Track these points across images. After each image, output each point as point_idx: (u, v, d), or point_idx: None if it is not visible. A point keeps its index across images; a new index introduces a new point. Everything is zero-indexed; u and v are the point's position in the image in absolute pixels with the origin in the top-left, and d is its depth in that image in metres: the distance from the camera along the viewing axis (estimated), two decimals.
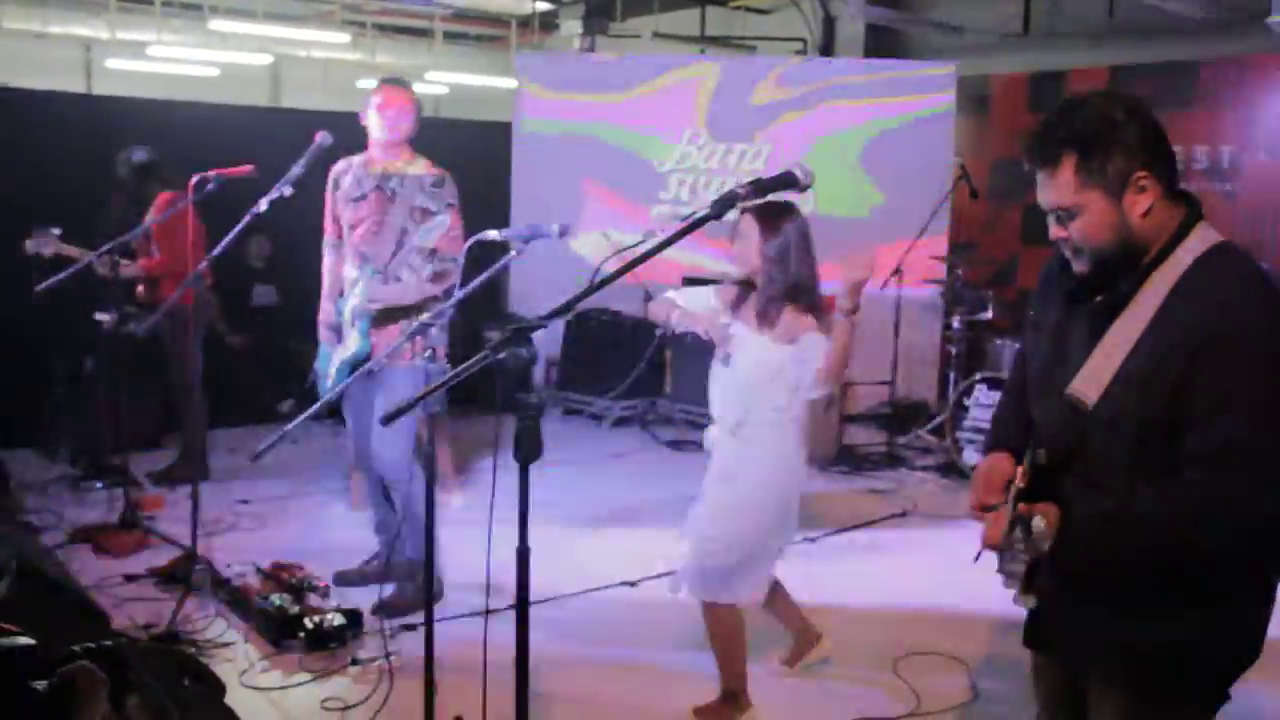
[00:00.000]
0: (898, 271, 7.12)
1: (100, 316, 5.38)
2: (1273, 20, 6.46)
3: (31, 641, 0.98)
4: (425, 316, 3.46)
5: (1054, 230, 2.05)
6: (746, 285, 3.58)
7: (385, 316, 4.36)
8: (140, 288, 5.91)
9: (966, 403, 6.80)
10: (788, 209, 3.48)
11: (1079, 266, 2.05)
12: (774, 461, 3.56)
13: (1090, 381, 1.98)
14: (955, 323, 7.56)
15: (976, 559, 2.19)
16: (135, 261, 5.82)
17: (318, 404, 3.23)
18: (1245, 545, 1.92)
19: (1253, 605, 2.04)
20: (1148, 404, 1.92)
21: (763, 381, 3.49)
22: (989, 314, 7.53)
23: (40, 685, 0.95)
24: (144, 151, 5.90)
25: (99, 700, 0.98)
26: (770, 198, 2.58)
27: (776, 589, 3.89)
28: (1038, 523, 1.95)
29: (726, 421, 3.59)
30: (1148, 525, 1.95)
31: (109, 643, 1.00)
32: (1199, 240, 1.97)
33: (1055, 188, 1.99)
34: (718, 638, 3.66)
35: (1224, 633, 2.02)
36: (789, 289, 3.46)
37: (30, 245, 5.29)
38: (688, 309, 3.63)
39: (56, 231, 5.25)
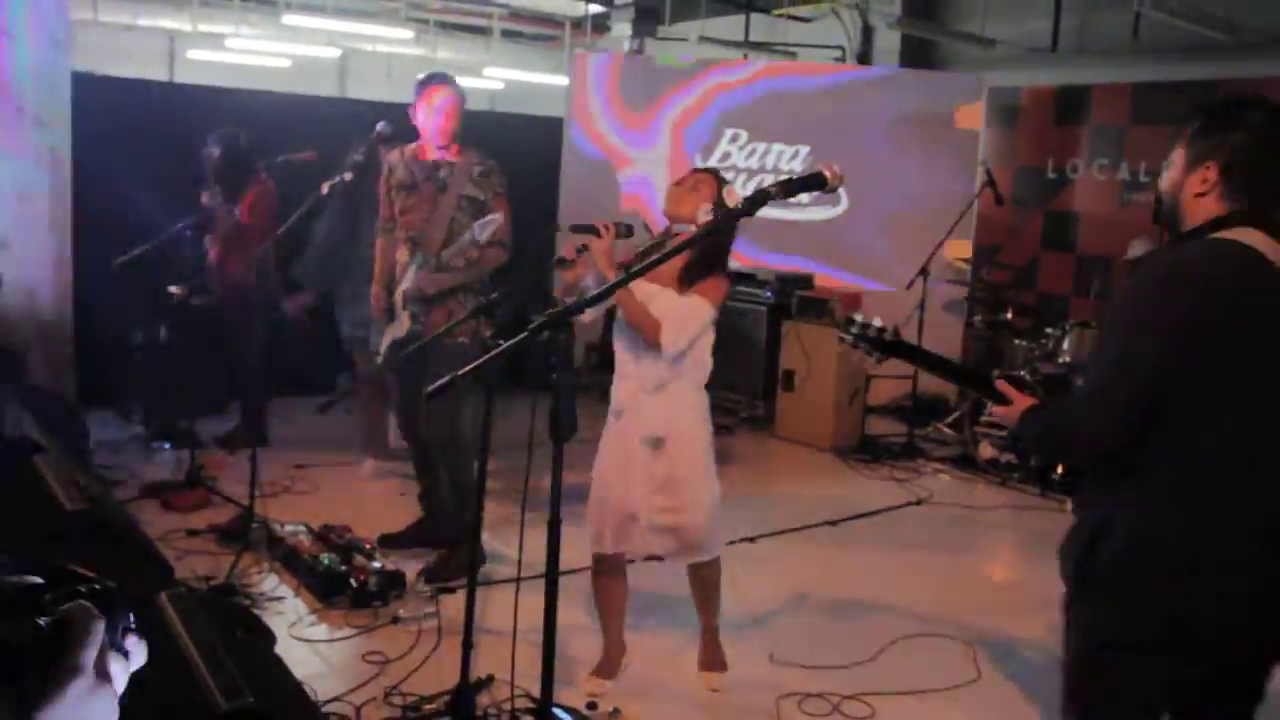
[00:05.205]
0: (924, 272, 7.06)
1: (172, 289, 5.44)
2: None
3: (40, 580, 1.01)
4: (481, 300, 3.47)
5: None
6: (658, 245, 3.42)
7: (435, 300, 4.38)
8: (212, 253, 5.95)
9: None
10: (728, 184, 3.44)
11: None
12: (702, 415, 3.49)
13: None
14: (977, 322, 7.48)
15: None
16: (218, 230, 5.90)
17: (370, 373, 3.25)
18: (1069, 452, 2.30)
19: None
20: None
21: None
22: (1009, 315, 7.45)
23: (44, 621, 0.98)
24: (243, 134, 5.96)
25: (96, 636, 1.00)
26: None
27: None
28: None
29: (648, 381, 3.39)
30: (1046, 420, 2.29)
31: (111, 583, 1.02)
32: (1224, 232, 2.12)
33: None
34: (711, 585, 3.69)
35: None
36: (719, 255, 3.39)
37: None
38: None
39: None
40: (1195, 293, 2.08)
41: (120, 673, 1.03)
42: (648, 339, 3.31)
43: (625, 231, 3.34)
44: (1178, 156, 2.22)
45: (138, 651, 1.06)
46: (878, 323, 2.55)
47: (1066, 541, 2.27)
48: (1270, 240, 2.12)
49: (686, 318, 3.31)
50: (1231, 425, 2.08)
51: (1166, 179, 2.26)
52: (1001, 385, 2.38)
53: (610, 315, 3.56)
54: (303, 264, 5.96)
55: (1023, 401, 2.34)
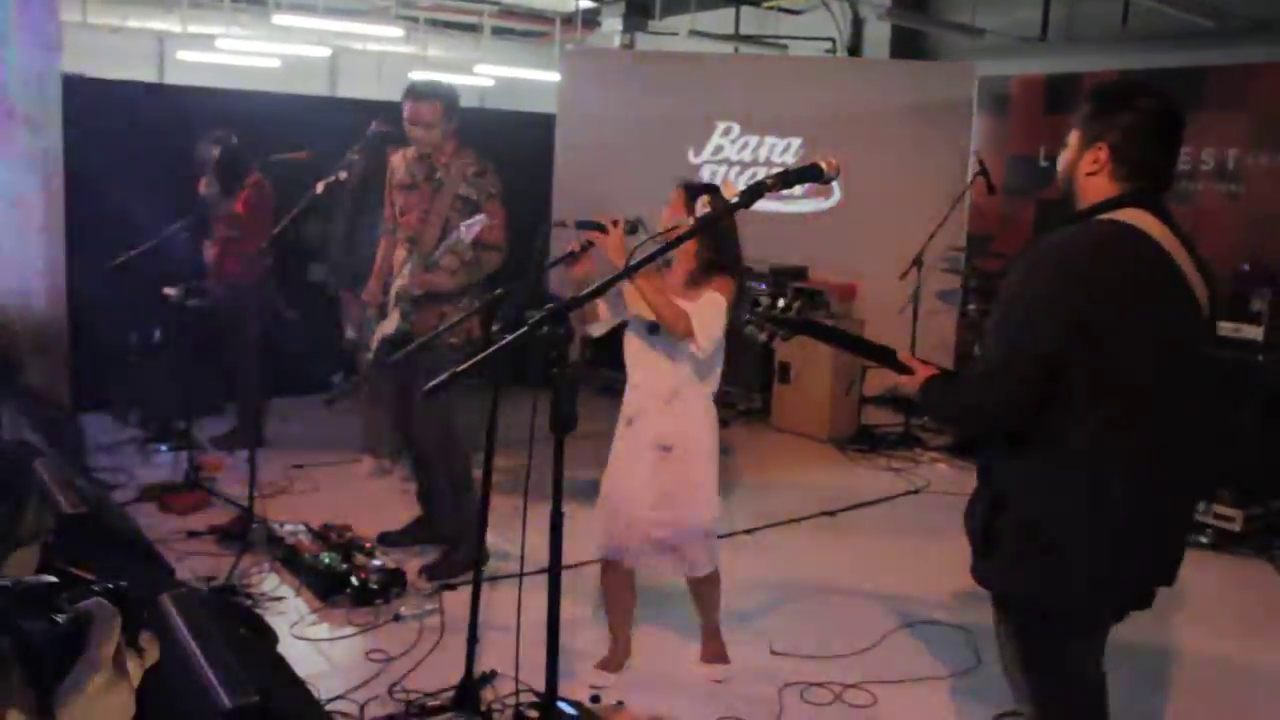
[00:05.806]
0: (918, 262, 7.06)
1: (168, 291, 5.43)
2: None
3: (54, 579, 1.02)
4: (478, 303, 3.45)
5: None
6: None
7: (427, 299, 4.37)
8: (210, 252, 5.94)
9: None
10: (710, 188, 3.41)
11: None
12: (711, 426, 3.48)
13: None
14: (971, 311, 7.49)
15: None
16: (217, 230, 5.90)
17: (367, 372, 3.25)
18: (970, 426, 2.54)
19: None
20: None
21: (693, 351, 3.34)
22: None
23: (60, 619, 0.99)
24: (235, 136, 5.95)
25: (113, 632, 1.00)
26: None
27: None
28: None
29: (660, 392, 3.41)
30: (945, 391, 2.40)
31: (123, 583, 1.03)
32: (1116, 213, 2.20)
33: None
34: (708, 595, 3.70)
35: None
36: (719, 259, 3.37)
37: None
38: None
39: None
40: (1085, 276, 2.14)
41: (136, 668, 1.04)
42: (679, 330, 3.25)
43: (631, 227, 3.33)
44: (1073, 138, 2.30)
45: (151, 648, 1.07)
46: (781, 303, 2.57)
47: (969, 508, 2.37)
48: (1159, 223, 2.19)
49: (707, 317, 3.29)
50: (1121, 405, 2.15)
51: (1062, 160, 2.32)
52: (903, 356, 2.47)
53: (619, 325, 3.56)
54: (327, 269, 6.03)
55: (924, 371, 2.43)
